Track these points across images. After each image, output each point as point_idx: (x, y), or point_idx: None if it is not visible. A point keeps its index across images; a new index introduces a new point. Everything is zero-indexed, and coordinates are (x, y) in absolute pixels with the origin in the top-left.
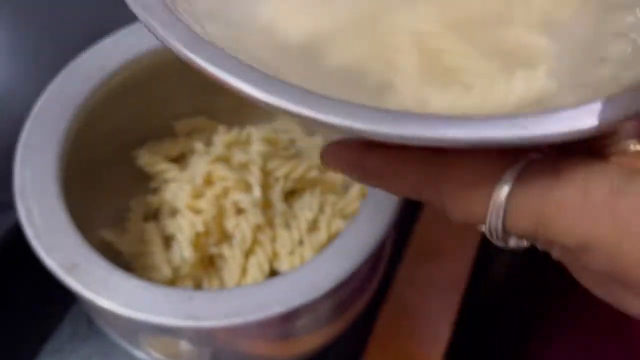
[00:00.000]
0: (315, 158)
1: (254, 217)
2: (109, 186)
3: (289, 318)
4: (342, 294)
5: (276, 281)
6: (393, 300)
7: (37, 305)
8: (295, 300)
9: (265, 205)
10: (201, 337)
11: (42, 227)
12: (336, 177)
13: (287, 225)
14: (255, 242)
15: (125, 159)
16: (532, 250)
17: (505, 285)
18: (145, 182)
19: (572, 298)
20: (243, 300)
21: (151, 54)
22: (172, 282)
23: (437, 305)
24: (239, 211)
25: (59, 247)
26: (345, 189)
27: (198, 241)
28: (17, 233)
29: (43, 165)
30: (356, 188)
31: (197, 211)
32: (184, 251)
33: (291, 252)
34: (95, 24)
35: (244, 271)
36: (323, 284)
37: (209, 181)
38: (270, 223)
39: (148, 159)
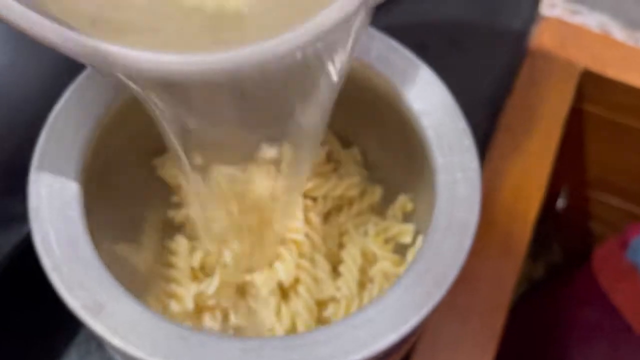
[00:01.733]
0: (353, 173)
1: (293, 244)
2: (127, 196)
3: None
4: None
5: (334, 329)
6: (431, 328)
7: (41, 330)
8: (357, 353)
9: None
10: None
11: (61, 257)
12: (376, 195)
13: (330, 252)
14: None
15: (146, 167)
16: None
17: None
18: (166, 192)
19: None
20: (299, 351)
21: None
22: (197, 312)
23: (477, 333)
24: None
25: (81, 283)
26: (384, 207)
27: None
28: (22, 251)
29: (61, 182)
30: (397, 206)
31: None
32: (212, 282)
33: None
34: None
35: (283, 302)
36: (385, 337)
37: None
38: (312, 247)
39: (171, 170)
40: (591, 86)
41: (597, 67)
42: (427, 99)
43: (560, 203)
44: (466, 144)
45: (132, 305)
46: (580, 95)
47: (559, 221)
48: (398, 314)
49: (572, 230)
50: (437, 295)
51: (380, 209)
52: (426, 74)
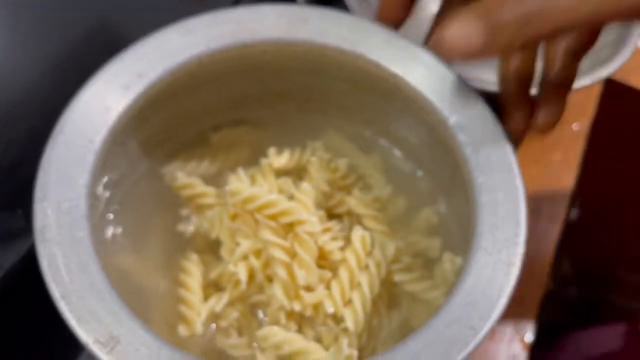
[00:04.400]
0: (379, 184)
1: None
2: (135, 208)
3: None
4: None
5: None
6: None
7: (46, 348)
8: None
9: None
10: None
11: (71, 284)
12: (399, 205)
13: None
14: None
15: (155, 177)
16: None
17: None
18: (175, 204)
19: None
20: None
21: (195, 60)
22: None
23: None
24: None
25: (93, 314)
26: (406, 218)
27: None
28: (24, 267)
29: (69, 199)
30: (421, 218)
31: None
32: (221, 299)
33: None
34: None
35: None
36: None
37: (257, 221)
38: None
39: (182, 181)
40: (612, 95)
41: (619, 75)
42: (463, 110)
43: (574, 214)
44: (508, 161)
45: (148, 339)
46: (599, 103)
47: (571, 233)
48: (442, 349)
49: (584, 243)
50: (482, 329)
51: (402, 220)
52: (458, 81)
